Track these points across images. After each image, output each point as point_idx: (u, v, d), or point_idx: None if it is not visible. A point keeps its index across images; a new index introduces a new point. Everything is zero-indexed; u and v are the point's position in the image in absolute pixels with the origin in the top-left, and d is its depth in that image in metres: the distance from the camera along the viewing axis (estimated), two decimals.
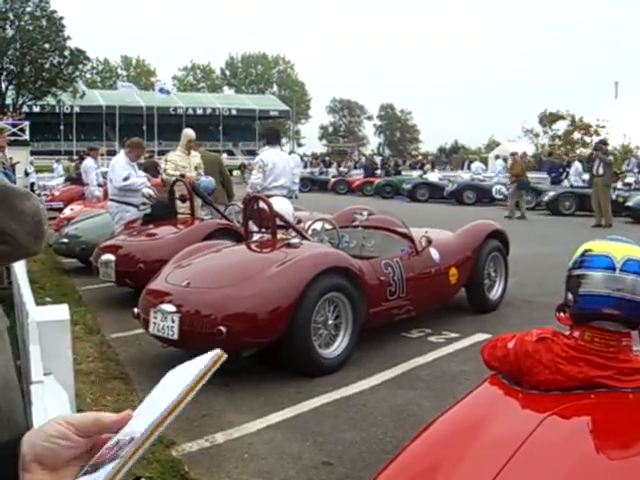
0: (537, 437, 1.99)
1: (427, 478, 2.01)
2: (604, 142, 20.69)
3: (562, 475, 1.88)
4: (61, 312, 2.14)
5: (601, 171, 18.00)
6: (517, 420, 2.19)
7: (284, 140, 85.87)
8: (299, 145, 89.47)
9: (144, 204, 9.67)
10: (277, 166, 8.70)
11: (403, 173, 35.88)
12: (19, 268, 4.07)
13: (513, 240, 8.53)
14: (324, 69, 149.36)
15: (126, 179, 9.26)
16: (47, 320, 2.08)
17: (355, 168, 41.71)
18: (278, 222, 6.45)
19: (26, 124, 37.75)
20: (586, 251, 2.31)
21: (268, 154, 8.83)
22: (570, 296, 2.32)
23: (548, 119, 46.53)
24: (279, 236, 6.44)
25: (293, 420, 4.72)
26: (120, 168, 9.39)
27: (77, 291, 9.08)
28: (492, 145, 63.86)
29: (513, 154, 23.82)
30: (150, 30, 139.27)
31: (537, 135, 47.48)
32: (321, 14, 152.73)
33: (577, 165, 24.24)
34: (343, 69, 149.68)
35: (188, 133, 10.07)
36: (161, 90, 59.46)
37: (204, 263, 6.09)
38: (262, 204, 6.49)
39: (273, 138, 9.18)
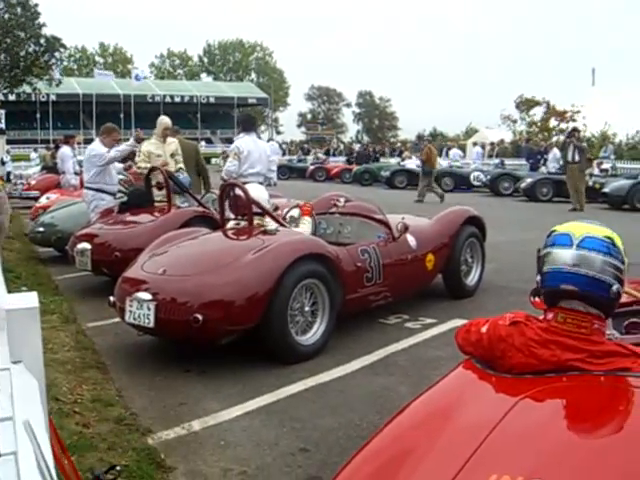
0: (509, 420, 1.99)
1: (398, 463, 2.01)
2: (576, 129, 21.00)
3: (534, 458, 1.88)
4: (30, 299, 2.11)
5: (576, 158, 18.30)
6: (490, 404, 2.19)
7: (262, 128, 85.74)
8: (278, 133, 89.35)
9: (120, 192, 9.59)
10: (252, 153, 8.66)
11: (381, 160, 35.90)
12: None
13: (491, 226, 8.56)
14: (302, 56, 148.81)
15: (108, 151, 9.17)
16: (16, 308, 2.05)
17: (333, 155, 41.66)
18: (255, 209, 6.43)
19: (2, 113, 37.33)
20: (552, 232, 2.34)
21: (244, 141, 8.78)
22: (538, 277, 2.34)
23: (524, 105, 46.59)
24: (255, 223, 6.42)
25: (270, 407, 4.72)
26: (94, 151, 9.28)
27: (53, 280, 9.01)
28: (470, 132, 63.92)
29: (423, 141, 26.00)
30: (127, 17, 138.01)
31: (515, 121, 47.57)
32: (299, 1, 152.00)
33: (555, 152, 24.33)
34: (321, 56, 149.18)
35: (164, 121, 9.98)
36: (136, 77, 58.98)
37: (180, 251, 6.06)
38: (238, 191, 6.46)
39: (249, 125, 9.12)
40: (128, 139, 9.68)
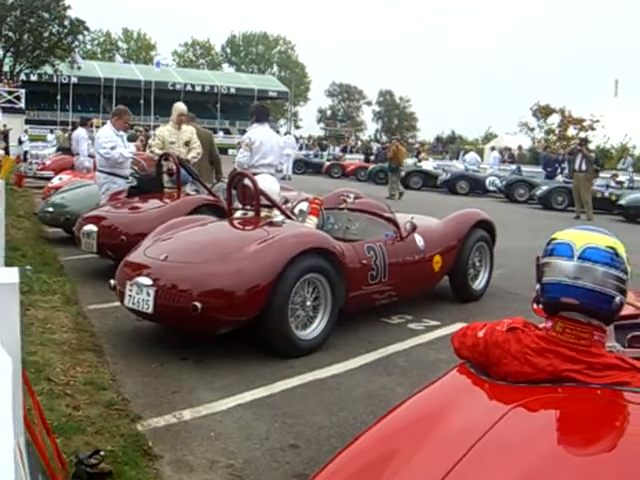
0: (499, 429, 1.92)
1: (382, 464, 1.94)
2: (586, 139, 21.22)
3: (522, 469, 1.81)
4: (10, 275, 2.04)
5: (584, 167, 18.52)
6: (481, 411, 2.11)
7: (282, 121, 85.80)
8: (297, 127, 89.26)
9: (132, 175, 9.54)
10: (265, 144, 8.57)
11: None
12: None
13: (502, 232, 8.46)
14: (325, 52, 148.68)
15: (113, 148, 9.10)
16: None
17: (350, 152, 41.54)
18: (263, 200, 6.36)
19: (22, 92, 37.57)
20: (552, 240, 2.24)
21: (256, 131, 8.69)
22: (538, 286, 2.25)
23: (541, 112, 46.23)
24: (263, 214, 6.35)
25: (265, 400, 4.65)
26: (105, 138, 9.24)
27: (59, 261, 8.98)
28: (489, 137, 63.77)
29: (394, 140, 26.69)
30: (153, 4, 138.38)
31: (532, 129, 47.21)
32: None
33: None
34: (344, 53, 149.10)
35: (179, 107, 9.92)
36: (157, 64, 59.00)
37: (184, 238, 6.00)
38: (247, 181, 6.40)
39: (262, 115, 9.00)
40: (142, 126, 9.65)
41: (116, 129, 9.28)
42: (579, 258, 2.11)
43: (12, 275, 2.03)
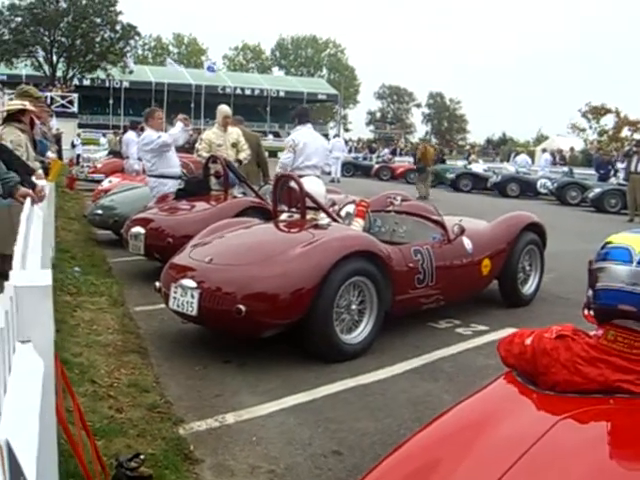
0: (548, 440, 1.84)
1: (427, 473, 1.89)
2: None
3: None
4: (43, 278, 2.02)
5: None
6: (528, 421, 2.03)
7: (331, 124, 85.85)
8: (346, 130, 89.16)
9: (179, 177, 9.57)
10: (308, 145, 8.47)
11: (448, 162, 35.49)
12: (34, 230, 3.97)
13: (553, 236, 8.29)
14: (374, 54, 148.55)
15: (159, 137, 9.10)
16: (27, 285, 1.96)
17: (400, 155, 41.30)
18: (308, 203, 6.31)
19: (75, 96, 38.25)
20: (607, 243, 2.12)
21: (299, 133, 8.62)
22: (590, 292, 2.14)
23: (592, 113, 45.41)
24: (309, 217, 6.30)
25: (308, 405, 4.60)
26: (147, 139, 9.25)
27: (107, 262, 9.06)
28: (541, 139, 62.94)
29: (421, 142, 27.96)
30: (203, 9, 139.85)
31: (583, 130, 46.42)
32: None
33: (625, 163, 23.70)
34: (393, 55, 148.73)
35: (223, 109, 9.94)
36: (209, 68, 59.47)
37: (229, 240, 5.98)
38: (293, 183, 6.35)
39: (303, 117, 8.91)
40: (199, 129, 9.64)
41: (155, 130, 9.29)
42: (639, 263, 2.00)
43: (45, 277, 2.01)
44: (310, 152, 8.43)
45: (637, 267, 1.99)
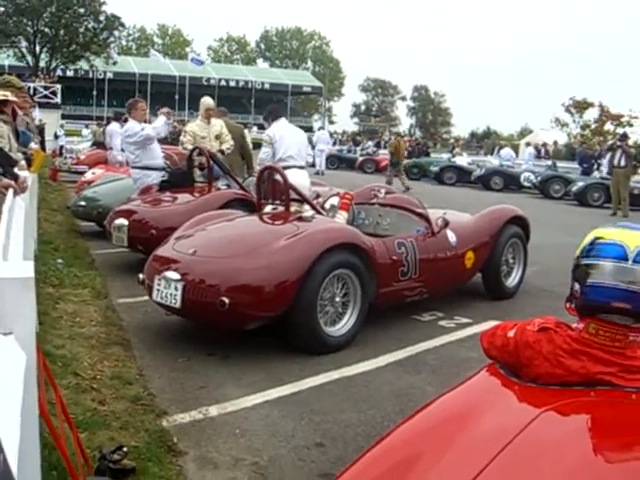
0: (530, 433, 1.85)
1: (408, 466, 1.89)
2: (626, 135, 21.01)
3: (553, 474, 1.73)
4: (25, 269, 2.00)
5: (623, 162, 18.45)
6: (510, 413, 2.04)
7: (316, 117, 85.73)
8: (331, 122, 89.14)
9: (163, 169, 9.53)
10: (285, 137, 8.45)
11: (432, 155, 35.54)
12: (16, 221, 3.94)
13: (536, 229, 8.32)
14: (359, 47, 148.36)
15: (142, 129, 9.07)
16: (9, 277, 1.95)
17: (384, 147, 41.30)
18: (292, 195, 6.30)
19: (58, 87, 37.99)
20: (596, 238, 2.09)
21: (274, 128, 8.59)
22: (577, 286, 2.13)
23: (576, 107, 45.58)
24: (293, 209, 6.29)
25: (292, 397, 4.60)
26: (130, 131, 9.22)
27: (90, 254, 9.01)
28: (525, 133, 63.15)
29: (394, 137, 27.62)
30: (188, 0, 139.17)
31: (566, 124, 46.58)
32: None
33: (609, 157, 23.84)
34: (378, 49, 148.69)
35: (206, 102, 9.92)
36: (193, 60, 59.11)
37: (213, 232, 5.97)
38: (277, 176, 6.34)
39: (275, 113, 8.89)
40: (183, 120, 9.59)
41: (138, 122, 9.25)
42: (634, 261, 1.99)
43: (27, 269, 1.99)
44: (290, 142, 8.40)
45: (633, 265, 1.99)
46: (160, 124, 9.24)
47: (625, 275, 2.00)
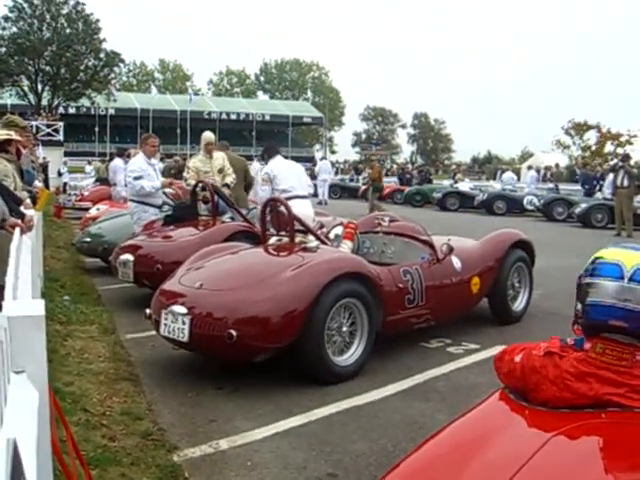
0: (541, 457, 1.85)
1: None
2: (628, 156, 21.10)
3: None
4: (36, 307, 2.02)
5: (626, 183, 18.48)
6: (521, 438, 2.04)
7: (317, 147, 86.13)
8: (332, 152, 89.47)
9: (166, 204, 9.59)
10: (283, 170, 8.67)
11: (434, 182, 35.64)
12: (23, 260, 3.97)
13: (541, 251, 8.32)
14: (359, 76, 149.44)
15: (137, 179, 9.14)
16: (20, 315, 1.97)
17: (386, 175, 41.46)
18: (297, 226, 6.34)
19: (60, 125, 38.27)
20: (596, 258, 2.15)
21: (271, 164, 8.82)
22: (579, 306, 2.16)
23: (575, 129, 45.73)
24: (297, 240, 6.32)
25: (302, 428, 4.59)
26: (133, 167, 9.31)
27: (96, 290, 9.04)
28: (526, 156, 63.30)
29: (372, 161, 29.18)
30: (188, 35, 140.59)
31: (567, 146, 46.70)
32: (355, 22, 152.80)
33: (611, 177, 23.89)
34: (378, 77, 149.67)
35: (207, 136, 10.02)
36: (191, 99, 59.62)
37: (218, 265, 5.99)
38: (281, 207, 6.38)
39: (272, 151, 9.12)
40: (178, 155, 9.71)
41: (147, 157, 9.32)
42: (630, 280, 2.03)
43: (37, 307, 2.01)
44: (289, 175, 8.64)
45: (629, 283, 2.02)
46: (159, 186, 9.34)
47: (621, 293, 2.04)
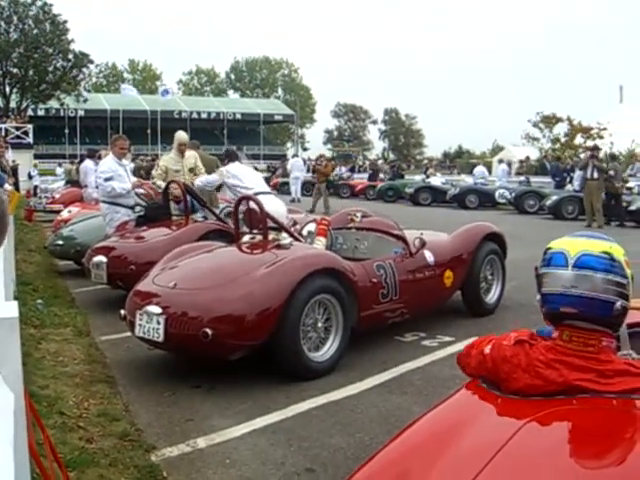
0: (515, 444, 1.88)
1: None
2: (596, 147, 21.33)
3: None
4: (10, 309, 2.02)
5: (595, 175, 18.74)
6: (494, 426, 2.07)
7: (289, 144, 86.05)
8: (304, 149, 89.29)
9: (138, 205, 9.55)
10: (239, 171, 8.88)
11: (406, 177, 35.74)
12: None
13: (513, 244, 8.40)
14: (329, 73, 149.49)
15: (107, 180, 9.08)
16: None
17: (358, 172, 41.50)
18: (270, 223, 6.35)
19: (29, 127, 37.83)
20: (548, 249, 2.23)
21: (229, 166, 8.97)
22: (538, 297, 2.22)
23: (544, 122, 45.95)
24: (271, 237, 6.33)
25: (279, 425, 4.61)
26: (103, 168, 9.26)
27: (70, 293, 8.99)
28: (497, 150, 63.61)
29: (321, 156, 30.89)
30: (157, 35, 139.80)
31: (536, 139, 46.96)
32: (324, 18, 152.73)
33: (580, 172, 24.09)
34: (348, 73, 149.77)
35: (179, 136, 10.00)
36: (163, 94, 59.21)
37: (192, 264, 5.98)
38: (253, 205, 6.39)
39: (232, 157, 9.26)
40: (149, 155, 9.67)
41: (117, 158, 9.26)
42: (574, 266, 2.10)
43: (11, 309, 2.01)
44: (248, 175, 8.90)
45: (573, 270, 2.09)
46: (129, 187, 9.30)
47: (566, 280, 2.11)
